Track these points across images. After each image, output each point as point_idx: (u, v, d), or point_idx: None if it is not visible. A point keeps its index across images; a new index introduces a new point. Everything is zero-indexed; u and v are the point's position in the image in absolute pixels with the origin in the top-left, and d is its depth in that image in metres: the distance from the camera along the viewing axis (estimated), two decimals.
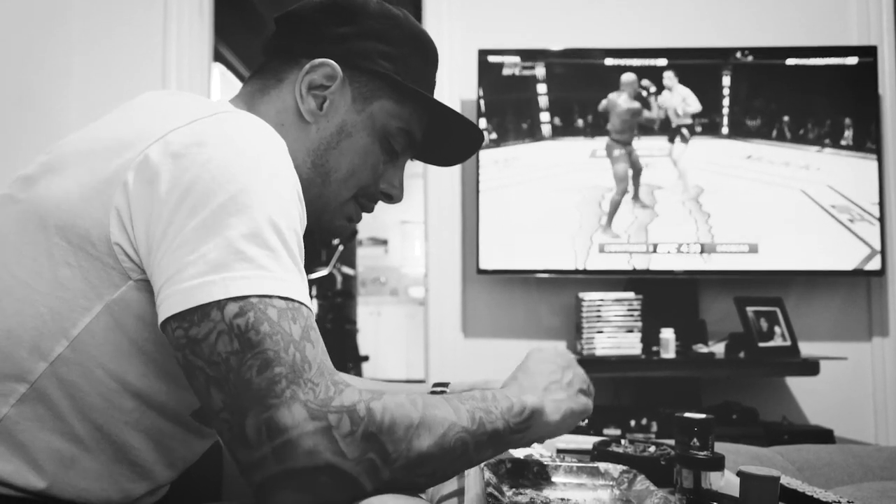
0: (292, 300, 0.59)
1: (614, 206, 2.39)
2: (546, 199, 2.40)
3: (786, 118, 2.38)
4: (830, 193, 2.36)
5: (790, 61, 2.39)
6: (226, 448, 0.58)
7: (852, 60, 2.38)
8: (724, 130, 2.39)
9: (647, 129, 2.40)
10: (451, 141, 0.91)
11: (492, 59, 2.42)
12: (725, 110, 2.39)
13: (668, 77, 2.40)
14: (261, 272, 0.58)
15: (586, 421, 0.81)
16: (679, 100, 2.39)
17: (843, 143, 2.36)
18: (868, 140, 2.35)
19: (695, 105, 2.39)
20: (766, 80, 2.39)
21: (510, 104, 2.42)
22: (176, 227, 0.59)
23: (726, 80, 2.40)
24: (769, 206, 2.37)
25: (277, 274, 0.59)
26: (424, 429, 0.60)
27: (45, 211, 0.64)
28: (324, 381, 0.58)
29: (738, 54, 2.40)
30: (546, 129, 2.41)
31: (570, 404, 0.77)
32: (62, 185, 0.64)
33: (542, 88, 2.41)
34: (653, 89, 2.40)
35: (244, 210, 0.59)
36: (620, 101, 2.41)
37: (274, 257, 0.60)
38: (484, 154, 2.40)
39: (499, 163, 2.41)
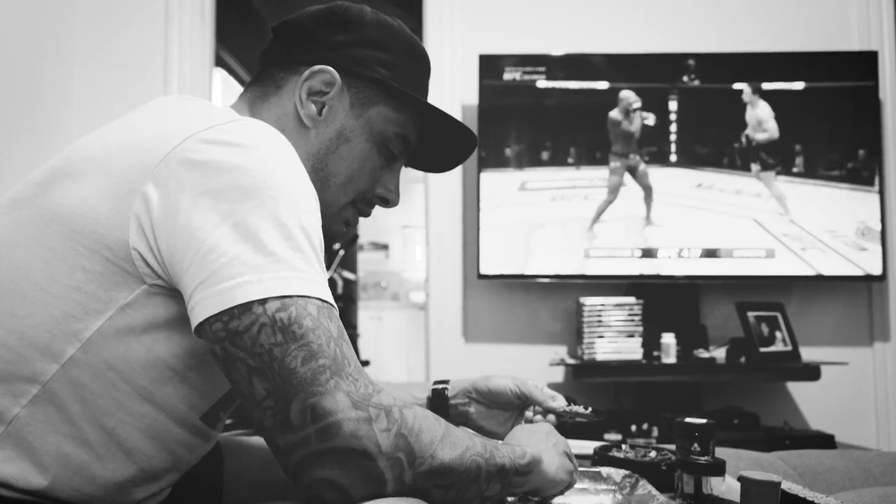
0: (325, 301, 0.62)
1: (599, 213, 2.40)
2: (549, 213, 2.41)
3: (735, 144, 2.38)
4: (783, 221, 2.36)
5: (737, 85, 2.40)
6: (264, 435, 0.61)
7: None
8: (674, 158, 2.39)
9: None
10: (445, 146, 0.93)
11: (492, 63, 2.42)
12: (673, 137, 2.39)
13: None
14: (296, 273, 0.61)
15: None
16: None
17: (794, 170, 2.36)
18: (837, 168, 2.35)
19: (773, 128, 2.38)
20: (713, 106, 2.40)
21: (511, 110, 2.42)
22: (205, 233, 0.60)
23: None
24: (721, 236, 2.37)
25: (310, 275, 0.62)
26: (448, 442, 0.63)
27: (61, 216, 0.65)
28: (362, 378, 0.61)
29: (758, 84, 2.40)
30: (551, 151, 2.41)
31: (560, 461, 0.79)
32: (78, 191, 0.65)
33: (543, 96, 2.42)
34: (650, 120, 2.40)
35: (274, 214, 0.61)
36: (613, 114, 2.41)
37: (305, 259, 0.62)
38: (485, 169, 2.40)
39: (505, 184, 2.41)
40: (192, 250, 0.60)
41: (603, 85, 2.41)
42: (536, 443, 0.78)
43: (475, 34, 2.59)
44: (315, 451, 0.58)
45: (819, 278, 2.36)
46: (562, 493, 0.80)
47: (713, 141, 2.40)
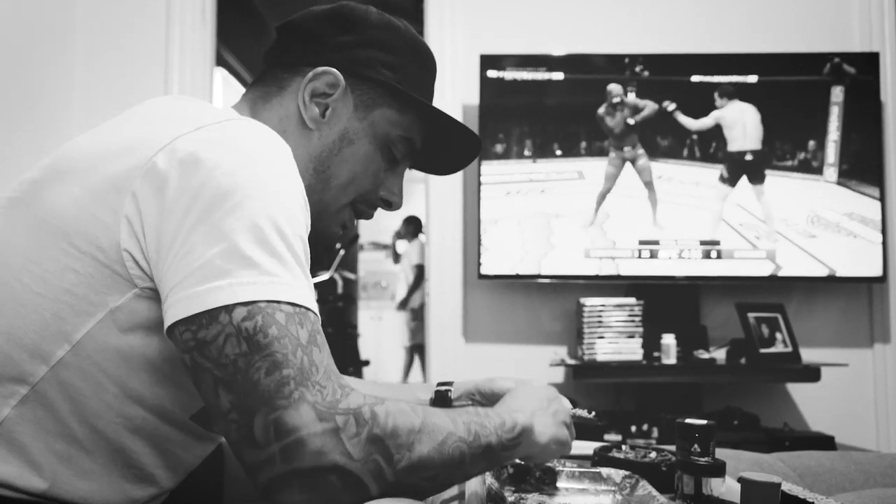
0: (299, 305, 0.61)
1: (599, 202, 2.41)
2: (547, 208, 2.41)
3: (695, 136, 2.40)
4: (740, 212, 2.38)
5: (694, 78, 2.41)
6: (231, 448, 0.59)
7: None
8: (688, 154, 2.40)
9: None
10: (449, 149, 0.92)
11: (493, 63, 2.42)
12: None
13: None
14: (267, 278, 0.59)
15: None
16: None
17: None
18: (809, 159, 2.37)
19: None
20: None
21: (512, 110, 2.42)
22: (184, 234, 0.60)
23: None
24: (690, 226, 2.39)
25: (284, 279, 0.60)
26: (425, 434, 0.62)
27: (54, 216, 0.65)
28: (331, 384, 0.59)
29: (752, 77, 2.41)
30: (550, 146, 2.42)
31: (555, 430, 0.78)
32: (71, 192, 0.65)
33: (546, 98, 2.42)
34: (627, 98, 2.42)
35: (250, 216, 0.60)
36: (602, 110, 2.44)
37: (280, 263, 0.61)
38: (486, 166, 2.40)
39: (503, 176, 2.41)
40: (173, 253, 0.60)
41: (606, 83, 2.42)
42: (533, 408, 0.77)
43: (476, 34, 2.59)
44: (282, 474, 0.56)
45: (819, 279, 2.36)
46: (551, 463, 0.79)
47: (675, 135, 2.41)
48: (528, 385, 0.84)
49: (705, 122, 2.39)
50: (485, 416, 0.69)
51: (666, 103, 2.40)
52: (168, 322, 0.60)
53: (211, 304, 0.58)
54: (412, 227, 6.09)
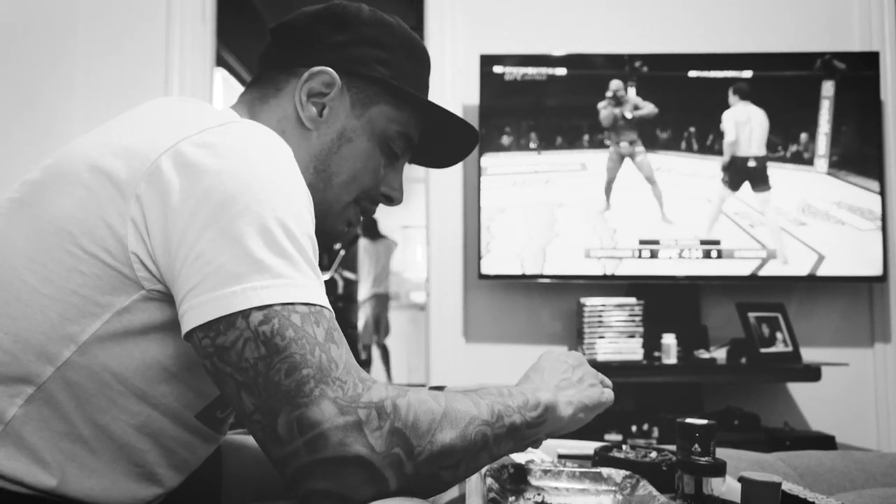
0: (313, 304, 0.62)
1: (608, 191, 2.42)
2: (547, 207, 2.41)
3: (692, 129, 2.41)
4: (735, 202, 2.41)
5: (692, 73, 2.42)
6: (259, 446, 0.61)
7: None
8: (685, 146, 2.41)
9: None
10: (447, 142, 0.93)
11: (494, 63, 2.42)
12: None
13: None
14: (280, 280, 0.60)
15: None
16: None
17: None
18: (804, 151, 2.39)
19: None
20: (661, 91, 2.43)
21: (513, 110, 2.43)
22: (192, 239, 0.60)
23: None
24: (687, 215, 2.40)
25: (297, 281, 0.61)
26: (447, 422, 0.63)
27: (58, 218, 0.65)
28: (351, 378, 0.60)
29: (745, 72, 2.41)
30: (552, 139, 2.42)
31: (580, 398, 0.78)
32: (74, 193, 0.65)
33: (545, 97, 2.42)
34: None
35: (259, 219, 0.61)
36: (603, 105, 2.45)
37: (291, 264, 0.61)
38: (492, 158, 2.40)
39: (503, 170, 2.41)
40: (181, 257, 0.60)
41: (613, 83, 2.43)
42: (557, 382, 0.77)
43: (476, 34, 2.59)
44: (306, 463, 0.58)
45: (820, 279, 2.36)
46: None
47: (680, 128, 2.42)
48: (552, 353, 0.84)
49: (727, 126, 2.40)
50: (508, 396, 0.70)
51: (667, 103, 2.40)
52: (186, 327, 0.60)
53: (226, 310, 0.59)
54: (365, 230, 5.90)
